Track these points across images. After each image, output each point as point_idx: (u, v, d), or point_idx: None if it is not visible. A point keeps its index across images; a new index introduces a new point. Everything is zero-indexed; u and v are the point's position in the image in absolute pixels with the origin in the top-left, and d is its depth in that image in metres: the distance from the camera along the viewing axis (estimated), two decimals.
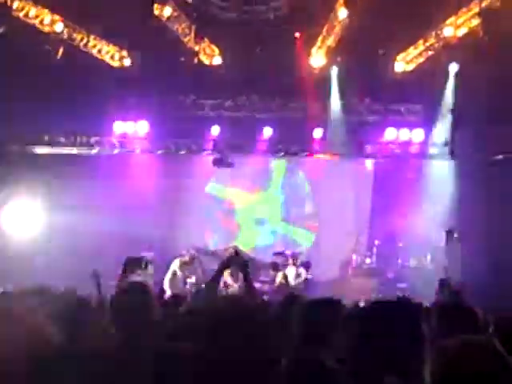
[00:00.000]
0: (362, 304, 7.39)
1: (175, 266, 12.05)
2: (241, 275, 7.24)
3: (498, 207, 12.18)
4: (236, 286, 10.85)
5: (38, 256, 13.06)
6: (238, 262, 4.53)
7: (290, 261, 12.78)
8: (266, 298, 11.05)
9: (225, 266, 4.41)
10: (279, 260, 13.12)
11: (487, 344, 2.14)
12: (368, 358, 2.55)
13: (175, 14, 12.81)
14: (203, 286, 10.68)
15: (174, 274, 11.96)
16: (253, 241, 14.56)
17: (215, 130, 14.29)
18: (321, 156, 14.46)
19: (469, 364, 2.05)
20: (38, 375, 2.67)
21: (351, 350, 2.74)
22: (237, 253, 5.07)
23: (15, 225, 13.64)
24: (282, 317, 4.00)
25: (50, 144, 14.44)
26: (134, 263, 8.93)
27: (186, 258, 12.29)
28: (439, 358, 2.13)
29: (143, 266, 9.11)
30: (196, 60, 13.76)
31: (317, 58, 13.60)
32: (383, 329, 2.64)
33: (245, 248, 13.37)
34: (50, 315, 3.20)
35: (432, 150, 14.00)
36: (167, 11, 12.56)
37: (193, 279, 12.15)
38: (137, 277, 8.55)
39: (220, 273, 4.29)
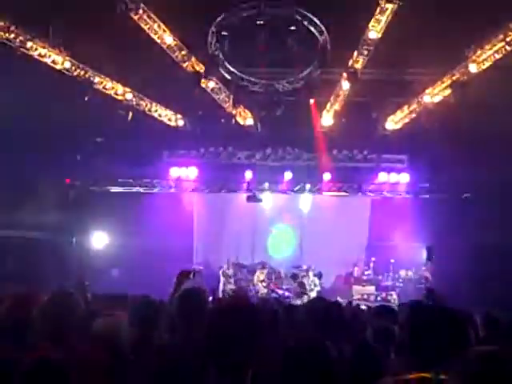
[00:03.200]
0: (363, 307, 8.73)
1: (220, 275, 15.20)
2: None
3: (468, 231, 14.61)
4: None
5: (114, 269, 15.46)
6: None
7: (306, 273, 15.13)
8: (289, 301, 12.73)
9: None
10: (297, 271, 15.36)
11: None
12: None
13: (217, 86, 14.41)
14: None
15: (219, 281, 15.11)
16: (278, 258, 16.70)
17: (248, 175, 16.59)
18: (329, 194, 16.67)
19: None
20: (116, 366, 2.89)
21: None
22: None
23: (96, 245, 16.07)
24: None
25: (122, 185, 16.53)
26: (184, 274, 11.46)
27: (227, 271, 15.49)
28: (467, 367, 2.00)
29: (192, 276, 11.79)
30: (233, 121, 15.63)
31: (326, 119, 15.55)
32: None
33: (272, 263, 15.81)
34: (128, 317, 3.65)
35: (415, 189, 16.35)
36: (211, 84, 14.16)
37: (231, 285, 15.37)
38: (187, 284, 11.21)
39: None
